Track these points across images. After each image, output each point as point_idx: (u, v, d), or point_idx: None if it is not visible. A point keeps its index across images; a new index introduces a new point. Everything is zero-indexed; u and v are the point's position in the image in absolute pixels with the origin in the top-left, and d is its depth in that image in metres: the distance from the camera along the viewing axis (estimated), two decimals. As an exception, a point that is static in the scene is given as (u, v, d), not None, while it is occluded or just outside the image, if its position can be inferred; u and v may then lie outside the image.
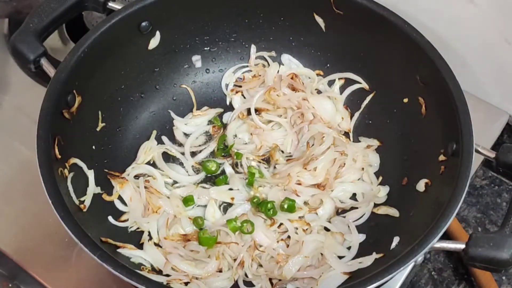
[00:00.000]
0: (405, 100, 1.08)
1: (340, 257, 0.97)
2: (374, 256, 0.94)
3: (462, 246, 0.84)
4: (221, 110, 1.17)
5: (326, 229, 1.02)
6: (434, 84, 1.00)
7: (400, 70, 1.07)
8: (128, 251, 0.96)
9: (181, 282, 0.93)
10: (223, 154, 1.11)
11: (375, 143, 1.11)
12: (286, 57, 1.19)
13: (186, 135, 1.14)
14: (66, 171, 0.95)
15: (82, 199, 0.97)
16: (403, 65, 1.06)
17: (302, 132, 1.11)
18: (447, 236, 1.07)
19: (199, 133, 1.14)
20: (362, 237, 1.00)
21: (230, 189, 1.08)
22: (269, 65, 1.18)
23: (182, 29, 1.14)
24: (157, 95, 1.16)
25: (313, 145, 1.10)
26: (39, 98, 0.95)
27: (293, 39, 1.18)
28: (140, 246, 0.99)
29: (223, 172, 1.10)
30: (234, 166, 1.11)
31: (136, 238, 1.00)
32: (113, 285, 1.00)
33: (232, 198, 1.06)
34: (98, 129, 1.07)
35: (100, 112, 1.07)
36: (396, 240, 0.95)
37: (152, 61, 1.14)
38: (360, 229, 1.01)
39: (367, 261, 0.94)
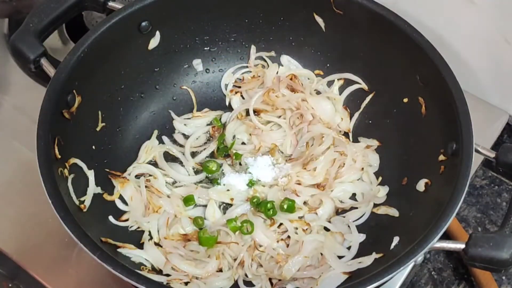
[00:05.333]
0: (405, 100, 1.08)
1: (340, 257, 0.97)
2: (374, 256, 0.94)
3: (462, 246, 0.84)
4: (221, 112, 1.17)
5: (326, 229, 1.02)
6: (434, 84, 1.00)
7: (400, 70, 1.07)
8: (128, 250, 0.96)
9: (181, 282, 0.93)
10: (224, 154, 1.12)
11: (375, 143, 1.11)
12: (285, 58, 1.19)
13: (186, 136, 1.14)
14: (66, 171, 0.95)
15: (82, 199, 0.97)
16: (403, 65, 1.06)
17: (302, 133, 1.11)
18: (447, 236, 1.07)
19: (199, 133, 1.14)
20: (362, 237, 1.00)
21: (230, 189, 1.08)
22: (268, 66, 1.18)
23: (182, 29, 1.14)
24: (157, 95, 1.16)
25: (312, 145, 1.10)
26: (39, 98, 0.95)
27: (293, 39, 1.18)
28: (140, 245, 0.99)
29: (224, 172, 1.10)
30: (234, 166, 1.11)
31: (136, 238, 1.00)
32: (113, 285, 1.00)
33: (232, 199, 1.06)
34: (98, 129, 1.07)
35: (100, 112, 1.07)
36: (396, 240, 0.95)
37: (152, 61, 1.14)
38: (360, 229, 1.01)
39: (367, 261, 0.94)
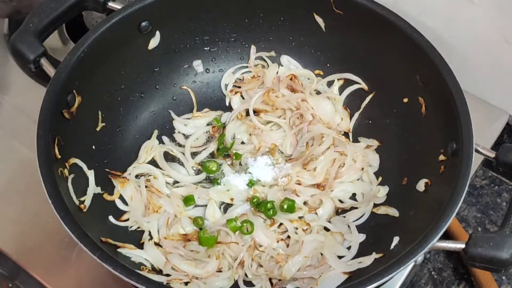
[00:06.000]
0: (405, 100, 1.08)
1: (340, 257, 0.97)
2: (374, 256, 0.94)
3: (462, 246, 0.84)
4: (221, 112, 1.17)
5: (326, 229, 1.02)
6: (434, 84, 1.00)
7: (400, 70, 1.07)
8: (128, 250, 0.96)
9: (181, 282, 0.93)
10: (224, 154, 1.11)
11: (375, 143, 1.11)
12: (285, 58, 1.19)
13: (186, 136, 1.14)
14: (66, 171, 0.95)
15: (82, 199, 0.97)
16: (403, 65, 1.06)
17: (302, 133, 1.11)
18: (447, 236, 1.07)
19: (199, 134, 1.14)
20: (362, 237, 1.00)
21: (230, 189, 1.08)
22: (268, 66, 1.18)
23: (182, 29, 1.14)
24: (157, 95, 1.16)
25: (312, 145, 1.10)
26: (39, 98, 0.95)
27: (293, 39, 1.18)
28: (140, 245, 0.99)
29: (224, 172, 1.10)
30: (234, 166, 1.11)
31: (136, 238, 1.00)
32: (113, 285, 1.00)
33: (232, 199, 1.06)
34: (98, 129, 1.07)
35: (100, 112, 1.07)
36: (396, 240, 0.95)
37: (152, 61, 1.14)
38: (360, 229, 1.01)
39: (367, 261, 0.94)
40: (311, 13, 1.13)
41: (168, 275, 0.95)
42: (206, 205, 1.06)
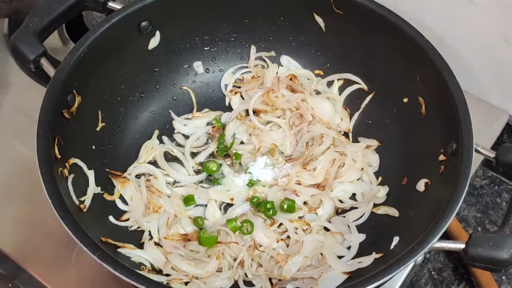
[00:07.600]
0: (405, 100, 1.08)
1: (340, 257, 0.97)
2: (374, 256, 0.94)
3: (462, 246, 0.84)
4: (221, 112, 1.17)
5: (326, 229, 1.02)
6: (434, 84, 1.00)
7: (400, 70, 1.07)
8: (128, 250, 0.96)
9: (181, 282, 0.93)
10: (224, 154, 1.11)
11: (375, 143, 1.11)
12: (285, 59, 1.19)
13: (186, 136, 1.14)
14: (66, 171, 0.95)
15: (82, 199, 0.97)
16: (403, 65, 1.06)
17: (301, 133, 1.11)
18: (447, 236, 1.08)
19: (199, 134, 1.14)
20: (362, 237, 1.00)
21: (230, 189, 1.08)
22: (268, 66, 1.18)
23: (182, 29, 1.14)
24: (157, 95, 1.16)
25: (312, 145, 1.10)
26: (39, 98, 0.95)
27: (293, 39, 1.18)
28: (140, 245, 0.99)
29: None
30: (234, 166, 1.11)
31: (136, 238, 1.00)
32: (113, 285, 1.00)
33: (232, 199, 1.06)
34: (98, 129, 1.07)
35: (100, 112, 1.07)
36: (396, 240, 0.95)
37: (152, 61, 1.14)
38: (360, 229, 1.01)
39: (367, 261, 0.94)
40: (311, 13, 1.13)
41: (168, 275, 0.95)
42: (206, 205, 1.06)
